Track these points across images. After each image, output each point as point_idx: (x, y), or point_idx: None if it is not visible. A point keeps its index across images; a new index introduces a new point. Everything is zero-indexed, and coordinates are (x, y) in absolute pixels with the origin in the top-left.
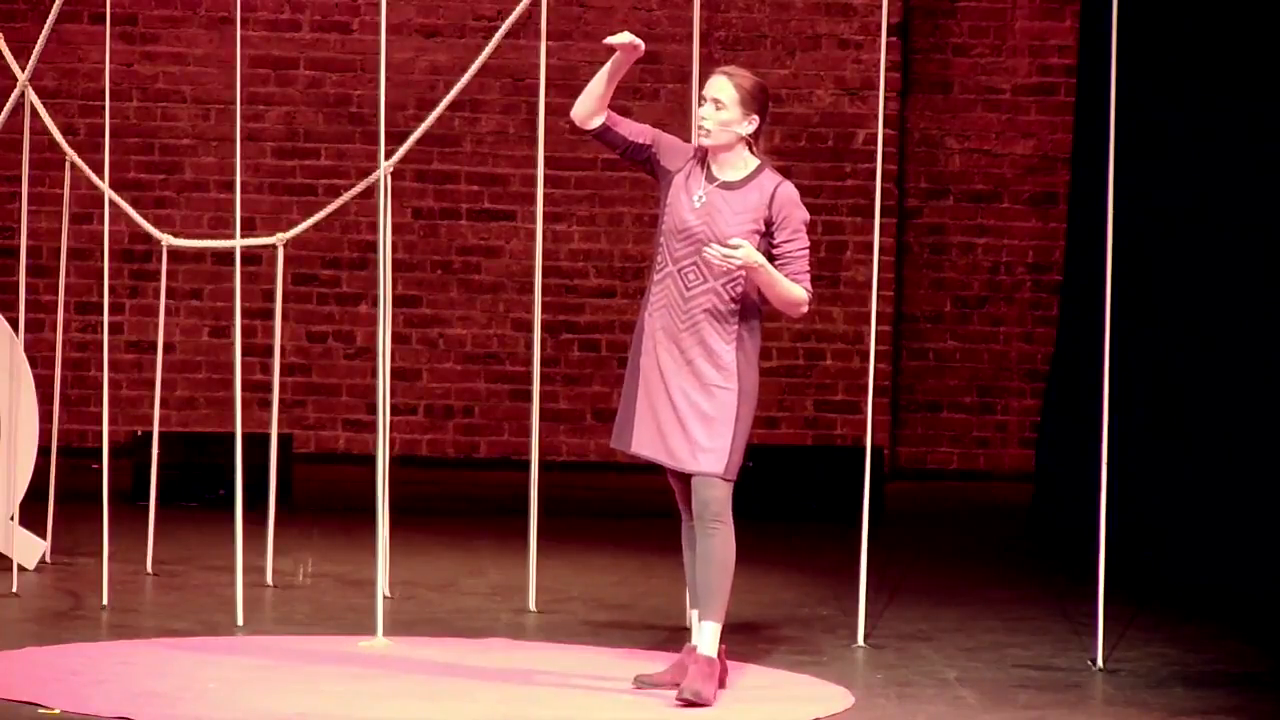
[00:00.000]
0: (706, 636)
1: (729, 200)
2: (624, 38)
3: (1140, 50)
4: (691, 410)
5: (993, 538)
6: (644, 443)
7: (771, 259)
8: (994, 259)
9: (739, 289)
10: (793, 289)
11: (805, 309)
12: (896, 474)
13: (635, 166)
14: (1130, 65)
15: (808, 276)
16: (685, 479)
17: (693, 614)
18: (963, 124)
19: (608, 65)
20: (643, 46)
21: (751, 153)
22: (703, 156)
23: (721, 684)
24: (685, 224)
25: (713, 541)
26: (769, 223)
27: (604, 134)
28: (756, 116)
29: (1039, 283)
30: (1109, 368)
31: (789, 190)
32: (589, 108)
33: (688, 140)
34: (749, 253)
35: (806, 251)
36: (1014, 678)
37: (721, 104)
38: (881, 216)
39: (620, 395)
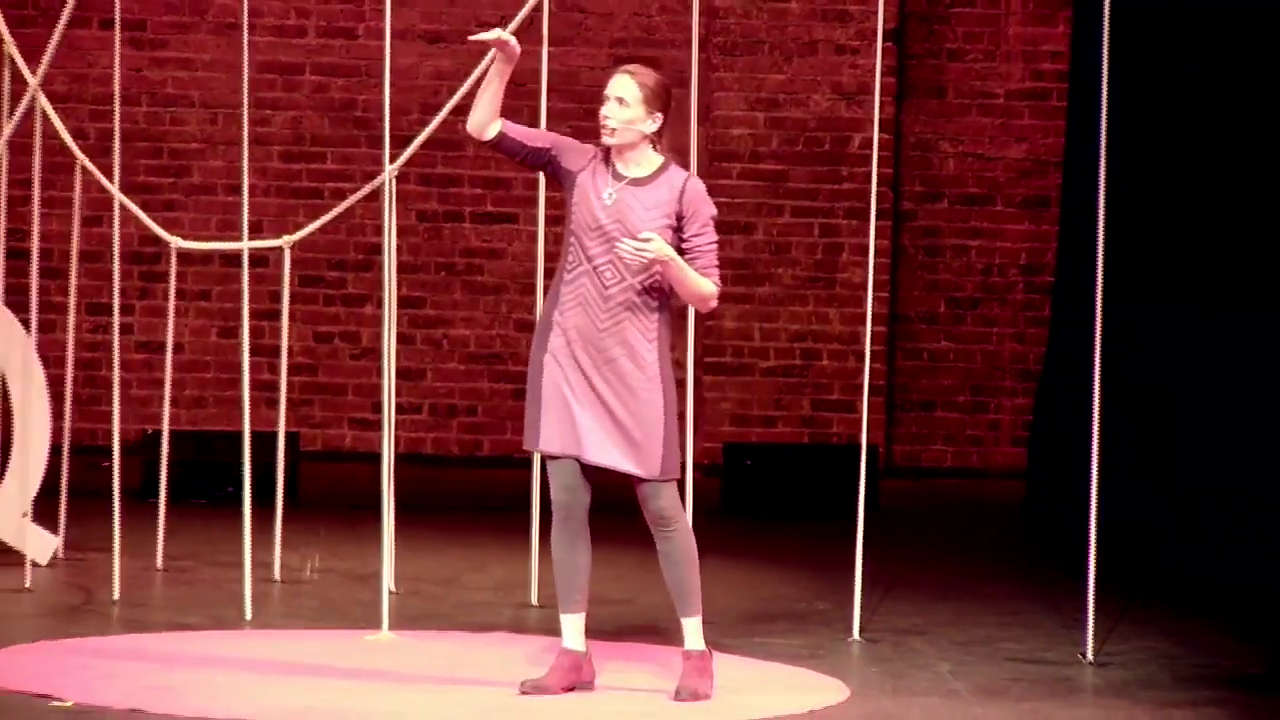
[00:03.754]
0: (691, 632)
1: (639, 196)
2: (492, 34)
3: (1131, 55)
4: (622, 412)
5: (986, 534)
6: (565, 443)
7: (681, 254)
8: (987, 261)
9: (655, 284)
10: (702, 283)
11: (714, 303)
12: (891, 472)
13: (535, 171)
14: (1122, 70)
15: (717, 271)
16: (585, 476)
17: (565, 617)
18: (957, 128)
19: (491, 72)
20: (513, 44)
21: (656, 150)
22: (606, 155)
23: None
24: (598, 222)
25: (673, 542)
26: (680, 217)
27: (500, 143)
28: (660, 114)
29: (1031, 284)
30: (1099, 366)
31: (697, 185)
32: (482, 117)
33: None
34: (661, 246)
35: (715, 245)
36: (1006, 671)
37: (625, 102)
38: (877, 219)
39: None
